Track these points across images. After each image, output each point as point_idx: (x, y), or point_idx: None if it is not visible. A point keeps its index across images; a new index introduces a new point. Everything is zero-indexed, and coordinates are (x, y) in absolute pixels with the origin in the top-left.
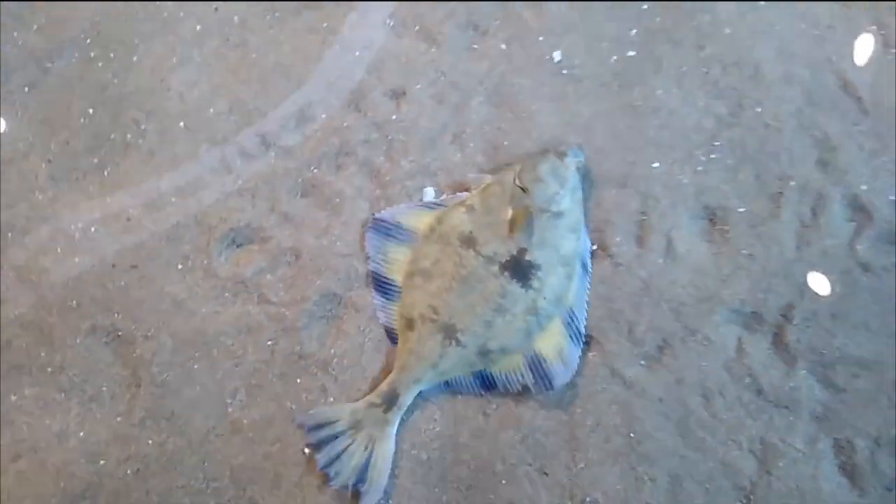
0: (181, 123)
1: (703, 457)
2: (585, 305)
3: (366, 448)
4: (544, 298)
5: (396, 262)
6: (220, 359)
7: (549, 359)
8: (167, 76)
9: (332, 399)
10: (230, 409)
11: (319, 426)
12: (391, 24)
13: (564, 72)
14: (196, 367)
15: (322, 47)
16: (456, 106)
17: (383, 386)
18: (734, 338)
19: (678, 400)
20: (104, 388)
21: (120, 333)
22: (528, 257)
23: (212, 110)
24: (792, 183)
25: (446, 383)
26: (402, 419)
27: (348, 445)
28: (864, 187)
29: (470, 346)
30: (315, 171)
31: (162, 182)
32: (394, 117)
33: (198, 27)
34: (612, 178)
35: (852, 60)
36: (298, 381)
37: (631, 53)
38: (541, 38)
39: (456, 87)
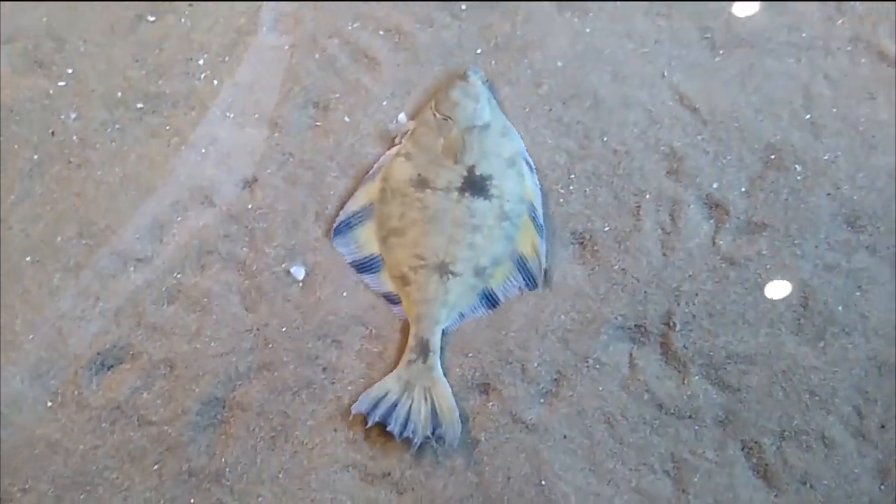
0: (27, 258)
1: (618, 490)
2: (541, 197)
3: (426, 399)
4: (508, 201)
5: (368, 239)
6: (107, 496)
7: (529, 257)
8: (7, 216)
9: None
10: None
11: (376, 405)
12: (231, 115)
13: None
14: None
15: (168, 151)
16: (311, 185)
17: (410, 342)
18: (625, 355)
19: (583, 432)
20: None
21: None
22: (478, 172)
23: (60, 238)
24: (647, 196)
25: (461, 315)
26: None
27: (410, 405)
28: (714, 185)
29: (465, 272)
30: (178, 276)
31: (15, 321)
32: (250, 206)
33: (35, 156)
34: None
35: (684, 73)
36: (192, 501)
37: None
38: (384, 103)
39: (307, 166)
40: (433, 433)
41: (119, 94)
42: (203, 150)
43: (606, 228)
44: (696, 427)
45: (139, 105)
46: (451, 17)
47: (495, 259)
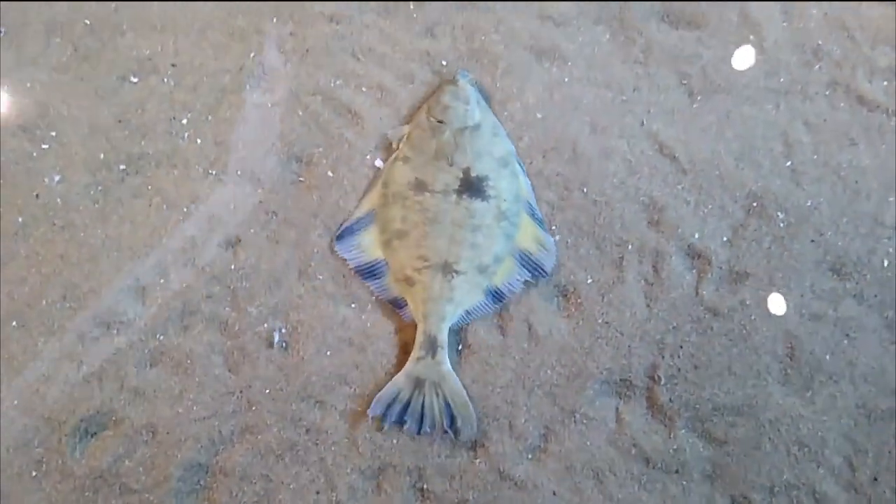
0: (13, 323)
1: None
2: (533, 193)
3: (437, 394)
4: (505, 201)
5: (371, 244)
6: None
7: (532, 251)
8: None
9: None
10: None
11: (390, 406)
12: (214, 173)
13: None
14: None
15: (150, 211)
16: (295, 242)
17: (419, 338)
18: (611, 409)
19: (572, 488)
20: None
21: None
22: (474, 173)
23: (44, 302)
24: (630, 247)
25: (467, 312)
26: None
27: (423, 401)
28: (696, 236)
29: (469, 270)
30: (161, 338)
31: (0, 387)
32: (232, 266)
33: (20, 219)
34: None
35: (662, 120)
36: None
37: None
38: (367, 156)
39: (291, 223)
40: (451, 427)
41: (102, 155)
42: (185, 210)
43: (589, 281)
44: (684, 482)
45: (122, 166)
46: (433, 74)
47: (497, 257)
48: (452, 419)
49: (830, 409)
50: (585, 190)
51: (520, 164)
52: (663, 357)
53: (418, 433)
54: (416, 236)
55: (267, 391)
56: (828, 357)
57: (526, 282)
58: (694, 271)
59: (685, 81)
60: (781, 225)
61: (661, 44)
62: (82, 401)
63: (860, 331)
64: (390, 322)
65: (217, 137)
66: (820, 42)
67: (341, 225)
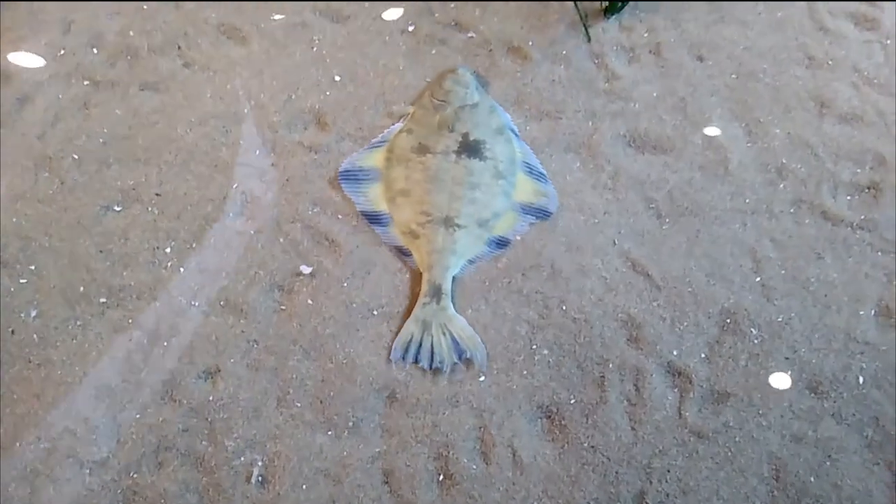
0: None
1: None
2: (532, 154)
3: (444, 333)
4: (501, 162)
5: (376, 196)
6: None
7: (533, 200)
8: None
9: None
10: None
11: (406, 349)
12: (196, 304)
13: (375, 312)
14: None
15: (129, 345)
16: (274, 369)
17: (424, 287)
18: None
19: None
20: None
21: None
22: (472, 137)
23: (18, 444)
24: (610, 365)
25: (470, 261)
26: None
27: (432, 340)
28: (675, 353)
29: (469, 224)
30: (134, 475)
31: None
32: (211, 398)
33: None
34: (441, 398)
35: (633, 241)
36: None
37: None
38: (344, 285)
39: (271, 351)
40: (460, 358)
41: (81, 288)
42: (166, 344)
43: (573, 401)
44: None
45: (102, 299)
46: None
47: (496, 212)
48: (461, 354)
49: None
50: (565, 307)
51: (514, 132)
52: (651, 482)
53: (430, 368)
54: (419, 193)
55: None
56: (812, 479)
57: (531, 224)
58: (676, 390)
59: (652, 206)
60: (756, 341)
61: (629, 170)
62: None
63: (842, 452)
64: (367, 449)
65: (200, 266)
66: (784, 160)
67: (344, 165)
